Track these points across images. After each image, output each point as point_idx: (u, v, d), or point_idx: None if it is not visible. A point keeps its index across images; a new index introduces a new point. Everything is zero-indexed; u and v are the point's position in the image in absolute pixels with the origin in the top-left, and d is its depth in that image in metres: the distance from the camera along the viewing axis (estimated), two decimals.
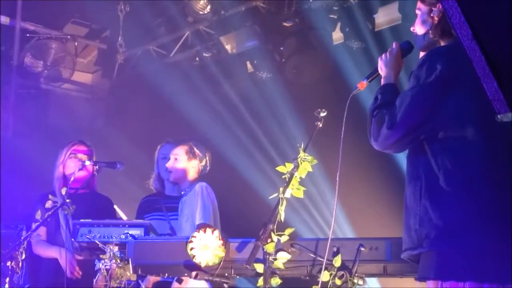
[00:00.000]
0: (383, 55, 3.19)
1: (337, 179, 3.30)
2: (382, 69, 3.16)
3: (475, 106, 2.70)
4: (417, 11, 3.14)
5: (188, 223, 4.90)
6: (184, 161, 5.18)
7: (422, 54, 3.10)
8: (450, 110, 2.79)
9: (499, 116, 1.62)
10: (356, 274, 3.59)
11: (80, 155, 5.42)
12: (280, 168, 3.70)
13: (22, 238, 4.66)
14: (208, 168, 5.37)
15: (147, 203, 5.59)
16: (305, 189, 3.69)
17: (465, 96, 2.75)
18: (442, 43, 3.03)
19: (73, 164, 5.36)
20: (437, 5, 3.00)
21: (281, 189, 3.61)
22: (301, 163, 3.65)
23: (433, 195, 2.77)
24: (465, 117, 2.78)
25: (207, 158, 5.34)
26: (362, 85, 3.30)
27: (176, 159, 5.18)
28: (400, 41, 3.26)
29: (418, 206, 2.81)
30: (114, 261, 4.03)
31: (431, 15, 3.03)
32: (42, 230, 5.23)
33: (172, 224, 5.24)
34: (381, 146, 2.93)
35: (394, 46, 3.19)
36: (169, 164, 5.18)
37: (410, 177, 2.93)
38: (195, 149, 5.24)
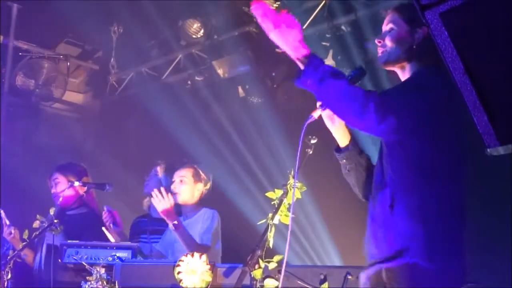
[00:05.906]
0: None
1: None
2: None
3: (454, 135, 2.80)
4: (392, 25, 3.03)
5: None
6: (190, 184, 5.12)
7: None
8: (432, 129, 2.78)
9: (488, 150, 1.62)
10: None
11: (70, 177, 5.42)
12: (269, 194, 3.71)
13: (8, 257, 4.62)
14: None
15: (136, 225, 5.65)
16: (293, 216, 3.69)
17: (447, 128, 2.80)
18: (408, 63, 2.99)
19: (63, 186, 5.37)
20: (423, 28, 2.91)
21: (270, 215, 3.61)
22: (290, 189, 3.65)
23: (407, 206, 2.74)
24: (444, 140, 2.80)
25: (211, 182, 5.32)
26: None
27: (181, 181, 5.11)
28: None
29: (390, 217, 2.78)
30: (100, 283, 4.00)
31: (415, 36, 2.95)
32: (28, 251, 5.21)
33: (154, 247, 5.21)
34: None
35: None
36: (174, 186, 5.10)
37: (379, 184, 2.90)
38: (200, 172, 5.22)
